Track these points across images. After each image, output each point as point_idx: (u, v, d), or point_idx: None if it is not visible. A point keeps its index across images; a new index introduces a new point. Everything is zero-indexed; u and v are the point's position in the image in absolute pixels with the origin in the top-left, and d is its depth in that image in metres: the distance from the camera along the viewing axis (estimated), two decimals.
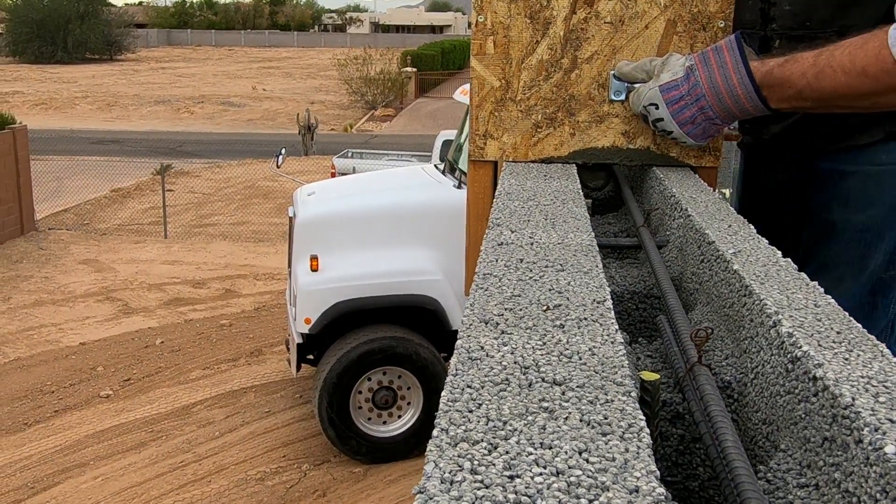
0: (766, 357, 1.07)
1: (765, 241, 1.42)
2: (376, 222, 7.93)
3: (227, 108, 36.63)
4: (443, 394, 0.80)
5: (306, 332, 7.66)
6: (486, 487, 0.64)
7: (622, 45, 2.11)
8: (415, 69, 43.13)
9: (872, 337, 0.99)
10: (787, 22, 2.08)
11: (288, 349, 8.75)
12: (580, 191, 1.82)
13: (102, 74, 50.09)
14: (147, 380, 10.23)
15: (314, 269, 7.77)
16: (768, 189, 2.30)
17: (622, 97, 2.13)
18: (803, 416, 0.93)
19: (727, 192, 5.65)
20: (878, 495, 0.74)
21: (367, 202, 8.41)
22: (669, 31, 2.10)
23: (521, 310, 1.04)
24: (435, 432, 0.73)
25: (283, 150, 12.76)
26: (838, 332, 1.01)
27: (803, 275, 1.24)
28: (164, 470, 8.20)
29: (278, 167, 12.64)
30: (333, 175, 15.45)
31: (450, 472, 0.66)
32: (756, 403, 1.10)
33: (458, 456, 0.69)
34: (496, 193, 1.75)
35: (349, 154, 18.81)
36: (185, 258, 15.04)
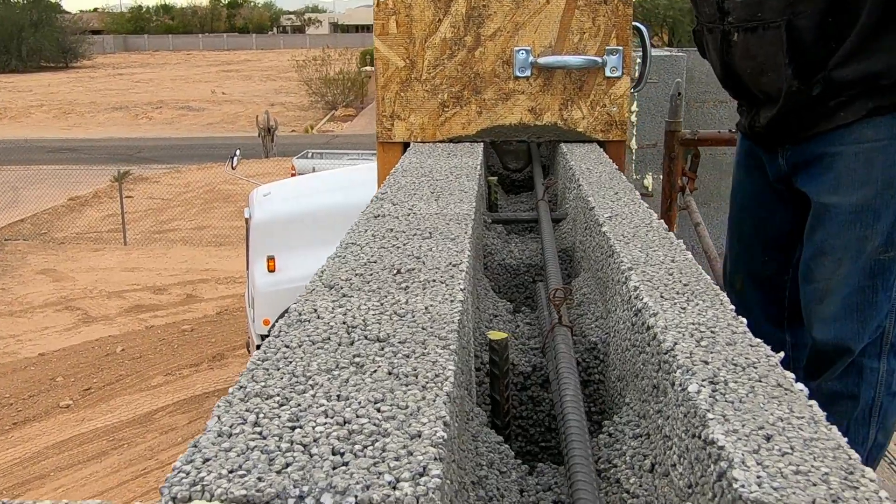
0: (621, 313, 1.07)
1: (644, 205, 1.42)
2: (332, 221, 7.86)
3: (186, 113, 36.25)
4: (254, 354, 0.78)
5: (266, 333, 7.60)
6: (263, 438, 0.63)
7: (524, 20, 2.11)
8: (374, 68, 42.93)
9: (717, 287, 0.99)
10: (741, 14, 2.06)
11: (249, 352, 8.69)
12: (479, 167, 1.81)
13: (58, 82, 49.37)
14: (108, 388, 10.11)
15: (271, 270, 7.72)
16: (766, 176, 2.28)
17: (527, 73, 2.13)
18: (642, 366, 0.92)
19: (649, 177, 5.69)
20: (682, 434, 0.74)
21: (322, 201, 8.36)
22: (571, 5, 2.10)
23: (370, 275, 1.03)
24: (231, 389, 0.71)
25: (238, 152, 12.66)
26: (685, 285, 1.01)
27: (671, 234, 1.24)
28: (126, 478, 8.10)
29: (233, 168, 12.54)
30: (294, 175, 15.35)
31: (230, 426, 0.65)
32: (614, 361, 1.10)
33: (246, 410, 0.67)
34: (391, 171, 1.74)
35: (309, 154, 18.71)
36: (146, 265, 14.88)
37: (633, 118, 6.32)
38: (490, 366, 1.01)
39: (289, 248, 7.67)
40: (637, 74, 2.43)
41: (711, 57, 2.21)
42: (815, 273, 2.04)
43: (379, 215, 1.34)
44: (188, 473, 0.58)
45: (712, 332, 0.86)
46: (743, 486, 0.58)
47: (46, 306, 12.79)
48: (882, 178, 1.93)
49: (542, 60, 2.12)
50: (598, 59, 2.14)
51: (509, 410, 1.03)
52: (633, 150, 6.27)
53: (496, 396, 1.02)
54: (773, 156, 2.18)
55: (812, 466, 0.61)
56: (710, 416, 0.68)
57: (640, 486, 0.81)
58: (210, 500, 0.56)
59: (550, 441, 1.20)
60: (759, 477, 0.59)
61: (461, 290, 0.97)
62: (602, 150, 2.09)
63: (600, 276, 1.28)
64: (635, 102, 6.24)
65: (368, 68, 41.72)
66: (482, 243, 1.65)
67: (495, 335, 1.02)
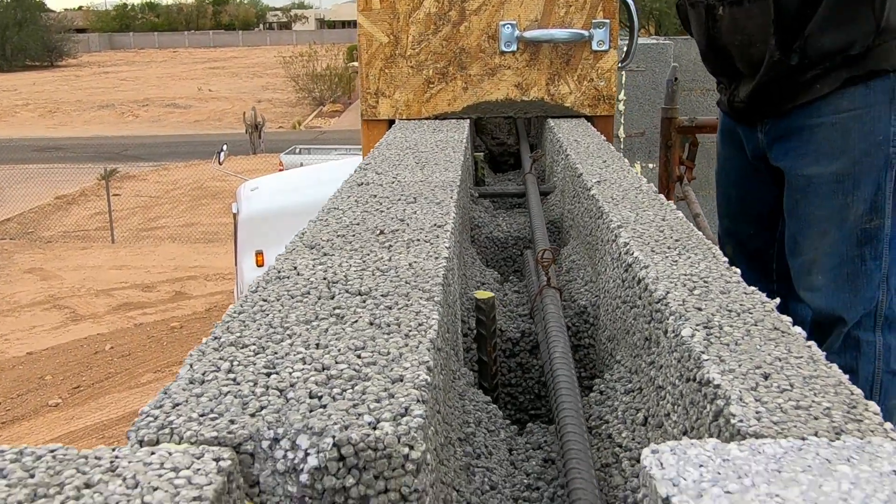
0: (611, 273, 1.04)
1: (633, 171, 1.40)
2: None
3: (173, 110, 36.05)
4: (230, 307, 0.75)
5: None
6: (237, 384, 0.60)
7: None
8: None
9: (709, 242, 0.97)
10: None
11: None
12: (465, 140, 1.78)
13: (43, 81, 49.01)
14: (97, 386, 10.03)
15: (260, 265, 7.69)
16: (745, 152, 2.28)
17: (513, 48, 2.10)
18: (633, 321, 0.90)
19: (637, 166, 5.66)
20: (676, 381, 0.71)
21: (310, 195, 8.31)
22: None
23: (353, 236, 1.00)
24: (205, 340, 0.68)
25: (225, 147, 12.57)
26: (676, 240, 0.98)
27: (662, 196, 1.21)
28: None
29: (220, 164, 12.46)
30: (281, 171, 15.28)
31: (202, 373, 0.62)
32: (604, 323, 1.07)
33: (220, 359, 0.64)
34: (376, 144, 1.71)
35: (297, 150, 18.63)
36: (134, 262, 14.78)
37: (621, 106, 6.30)
38: (477, 326, 0.99)
39: (277, 242, 7.60)
40: (624, 49, 2.40)
41: (695, 31, 2.20)
42: (801, 245, 2.04)
43: (362, 183, 1.31)
44: (156, 417, 0.55)
45: (705, 281, 0.83)
46: (741, 421, 0.55)
47: (34, 305, 12.70)
48: (859, 146, 1.94)
49: (528, 34, 2.09)
50: (585, 33, 2.11)
51: (497, 373, 1.00)
52: (622, 139, 6.24)
53: (484, 358, 0.99)
54: (751, 132, 2.18)
55: (813, 402, 0.58)
56: (704, 357, 0.65)
57: (633, 439, 0.79)
58: (179, 443, 0.53)
59: (540, 409, 1.18)
60: (757, 412, 0.56)
61: (446, 247, 0.94)
62: (590, 124, 2.06)
63: (589, 241, 1.25)
64: (623, 91, 6.22)
65: (355, 64, 41.58)
66: (469, 216, 1.62)
67: (482, 294, 0.99)
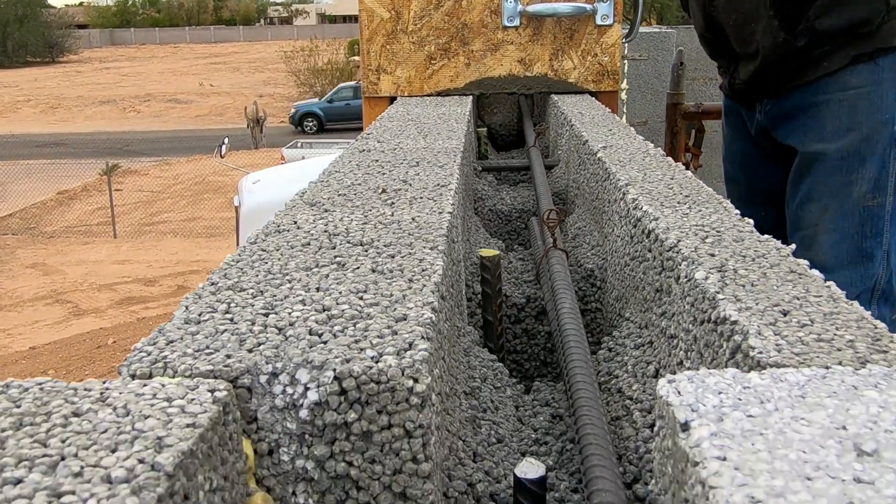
0: (619, 231, 1.01)
1: (640, 138, 1.37)
2: None
3: (174, 106, 36.01)
4: (227, 256, 0.73)
5: None
6: (234, 323, 0.58)
7: None
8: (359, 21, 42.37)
9: (720, 197, 0.94)
10: None
11: None
12: (468, 114, 1.76)
13: (45, 77, 48.96)
14: (100, 380, 10.01)
15: None
16: (749, 133, 2.26)
17: (516, 23, 2.07)
18: (642, 276, 0.87)
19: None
20: (689, 326, 0.68)
21: None
22: None
23: (354, 195, 0.98)
24: (200, 285, 0.66)
25: (226, 140, 12.56)
26: (686, 196, 0.95)
27: (670, 159, 1.19)
28: None
29: (222, 157, 12.45)
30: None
31: (199, 314, 0.59)
32: (612, 284, 1.05)
33: (217, 301, 0.62)
34: (377, 117, 1.68)
35: (298, 144, 18.64)
36: (136, 257, 14.77)
37: (623, 95, 6.25)
38: (482, 284, 0.96)
39: None
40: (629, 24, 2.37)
41: (693, 10, 2.18)
42: (801, 220, 2.03)
43: (364, 150, 1.29)
44: (149, 353, 0.53)
45: (717, 231, 0.81)
46: (761, 353, 0.53)
47: (36, 300, 12.69)
48: (867, 124, 1.92)
49: (531, 8, 2.07)
50: (588, 7, 2.08)
51: (503, 333, 0.97)
52: None
53: (489, 318, 0.96)
54: (752, 112, 2.16)
55: (835, 335, 0.56)
56: (720, 296, 0.62)
57: (644, 391, 0.76)
58: (173, 377, 0.50)
59: (546, 376, 1.15)
60: (777, 344, 0.54)
61: (450, 204, 0.92)
62: (594, 99, 2.03)
63: (595, 205, 1.23)
64: (625, 80, 6.18)
65: (356, 58, 41.54)
66: (473, 187, 1.60)
67: (487, 252, 0.96)
